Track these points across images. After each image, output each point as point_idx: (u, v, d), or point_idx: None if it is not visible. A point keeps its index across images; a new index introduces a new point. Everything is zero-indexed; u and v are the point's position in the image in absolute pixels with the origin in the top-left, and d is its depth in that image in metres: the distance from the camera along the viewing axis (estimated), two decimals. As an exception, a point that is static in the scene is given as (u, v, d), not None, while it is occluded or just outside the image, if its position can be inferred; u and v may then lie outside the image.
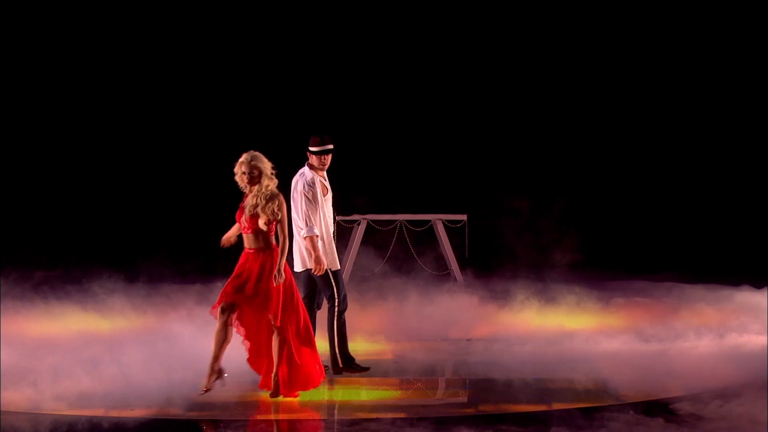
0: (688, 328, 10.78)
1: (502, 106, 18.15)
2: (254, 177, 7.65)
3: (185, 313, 10.87)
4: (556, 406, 7.80)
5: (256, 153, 7.72)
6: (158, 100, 17.49)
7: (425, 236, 15.83)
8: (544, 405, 7.90)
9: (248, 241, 7.76)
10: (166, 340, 9.69)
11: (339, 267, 8.75)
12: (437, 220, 15.92)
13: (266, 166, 7.69)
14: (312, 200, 8.57)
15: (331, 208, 8.91)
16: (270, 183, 7.68)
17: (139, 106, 17.51)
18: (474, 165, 18.13)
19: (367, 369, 8.87)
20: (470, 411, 7.89)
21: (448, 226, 15.92)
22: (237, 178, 7.72)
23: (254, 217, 7.65)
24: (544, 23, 17.99)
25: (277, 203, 7.67)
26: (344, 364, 8.75)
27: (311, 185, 8.60)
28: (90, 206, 17.19)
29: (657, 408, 7.44)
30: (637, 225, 17.91)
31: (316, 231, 8.53)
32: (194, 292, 12.13)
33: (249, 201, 7.69)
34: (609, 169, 18.16)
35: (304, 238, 8.56)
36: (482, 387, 8.78)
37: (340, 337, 8.69)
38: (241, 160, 7.69)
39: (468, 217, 16.07)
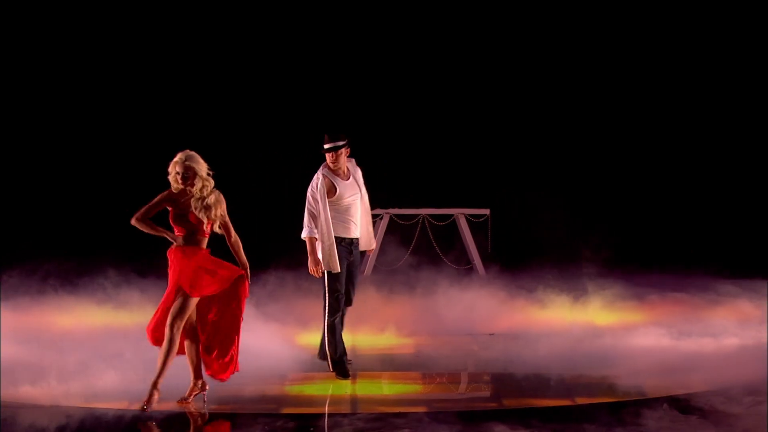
0: (725, 324, 10.64)
1: (527, 100, 18.00)
2: (188, 178, 7.29)
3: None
4: (583, 400, 7.70)
5: (192, 153, 7.37)
6: (166, 99, 17.40)
7: (448, 231, 15.77)
8: (568, 400, 7.82)
9: (187, 241, 7.38)
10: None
11: (339, 270, 8.44)
12: (460, 214, 15.86)
13: (201, 167, 7.34)
14: (313, 201, 8.41)
15: (355, 208, 8.56)
16: (207, 184, 7.34)
17: (148, 104, 17.43)
18: (497, 159, 18.00)
19: (347, 376, 8.57)
20: (494, 405, 7.84)
21: (471, 221, 15.86)
22: (170, 177, 7.37)
23: (209, 220, 7.36)
24: (567, 16, 17.86)
25: (223, 206, 7.42)
26: (333, 368, 8.49)
27: (315, 186, 8.44)
28: (101, 200, 17.13)
29: (691, 404, 7.31)
30: (664, 219, 17.72)
31: (315, 233, 8.39)
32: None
33: (194, 204, 7.31)
34: (634, 162, 17.99)
35: (303, 239, 8.46)
36: (506, 382, 8.73)
37: (329, 338, 8.46)
38: (175, 159, 7.35)
39: (491, 211, 16.02)
